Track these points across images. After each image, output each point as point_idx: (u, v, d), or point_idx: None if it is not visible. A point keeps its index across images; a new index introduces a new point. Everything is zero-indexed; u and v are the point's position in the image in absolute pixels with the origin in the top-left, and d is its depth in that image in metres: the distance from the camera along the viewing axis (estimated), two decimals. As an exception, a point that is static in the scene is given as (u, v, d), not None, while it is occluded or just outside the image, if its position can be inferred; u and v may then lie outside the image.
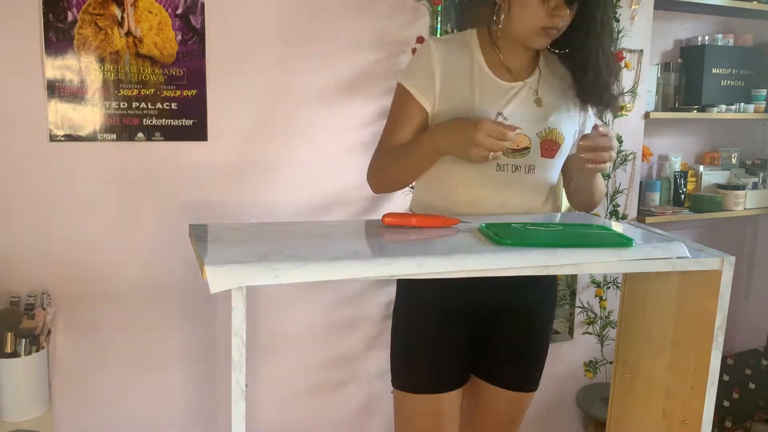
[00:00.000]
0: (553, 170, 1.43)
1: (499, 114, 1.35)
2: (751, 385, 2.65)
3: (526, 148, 1.37)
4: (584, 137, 1.30)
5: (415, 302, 1.42)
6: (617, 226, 1.30)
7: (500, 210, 1.37)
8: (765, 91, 2.59)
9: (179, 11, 1.72)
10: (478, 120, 1.24)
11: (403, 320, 1.45)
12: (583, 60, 1.37)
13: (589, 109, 1.45)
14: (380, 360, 2.13)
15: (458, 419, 1.46)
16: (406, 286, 1.45)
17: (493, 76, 1.38)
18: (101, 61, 1.66)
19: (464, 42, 1.40)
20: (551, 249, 1.02)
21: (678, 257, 1.09)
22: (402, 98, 1.39)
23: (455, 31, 1.94)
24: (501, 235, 1.06)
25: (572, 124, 1.44)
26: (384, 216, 1.17)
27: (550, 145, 1.39)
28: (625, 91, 2.29)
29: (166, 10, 1.71)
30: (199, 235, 1.09)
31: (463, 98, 1.36)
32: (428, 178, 1.42)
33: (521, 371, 1.47)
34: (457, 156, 1.30)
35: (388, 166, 1.40)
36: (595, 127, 1.30)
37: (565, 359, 2.46)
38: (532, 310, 1.45)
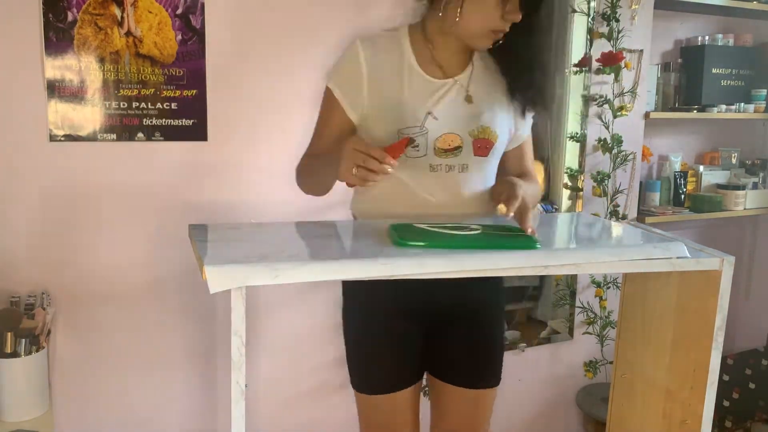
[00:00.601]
0: (489, 168, 1.40)
1: (429, 114, 1.32)
2: (751, 385, 2.65)
3: (458, 147, 1.33)
4: (503, 202, 1.21)
5: (364, 303, 1.41)
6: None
7: (439, 210, 1.34)
8: (765, 91, 2.59)
9: (179, 11, 1.72)
10: (349, 138, 1.25)
11: (353, 322, 1.45)
12: (513, 55, 1.35)
13: (521, 109, 1.42)
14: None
15: (416, 409, 1.48)
16: (353, 288, 1.43)
17: (423, 73, 1.35)
18: (101, 61, 1.66)
19: (394, 38, 1.37)
20: (457, 251, 1.01)
21: (678, 257, 1.09)
22: (329, 103, 1.37)
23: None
24: (404, 236, 1.05)
25: (507, 121, 1.40)
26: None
27: (482, 144, 1.35)
28: (625, 91, 2.29)
29: (166, 10, 1.71)
30: (198, 235, 1.09)
31: (392, 98, 1.33)
32: (362, 188, 1.39)
33: (476, 368, 1.46)
34: (339, 177, 1.23)
35: (308, 176, 1.41)
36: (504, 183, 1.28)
37: (565, 359, 2.46)
38: (482, 308, 1.44)
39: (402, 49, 1.36)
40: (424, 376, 1.51)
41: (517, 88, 1.38)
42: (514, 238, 1.10)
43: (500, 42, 1.32)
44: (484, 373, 1.46)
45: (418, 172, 1.33)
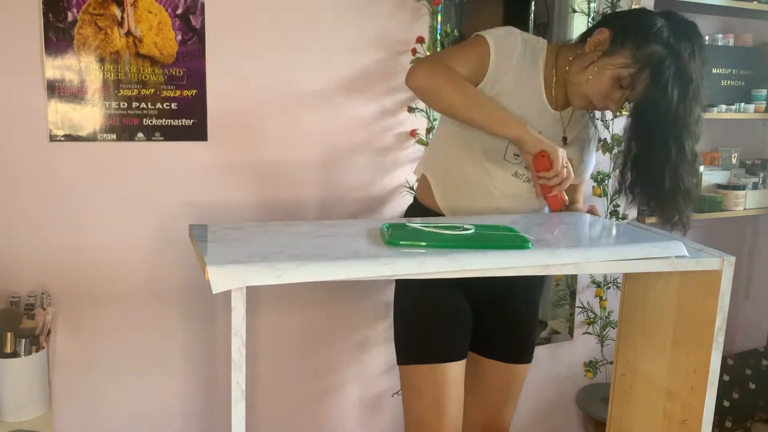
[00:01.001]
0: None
1: (540, 133, 1.39)
2: (751, 385, 2.65)
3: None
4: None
5: (420, 281, 1.45)
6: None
7: (495, 207, 1.45)
8: (765, 91, 2.59)
9: (179, 11, 1.72)
10: (559, 147, 1.34)
11: (410, 295, 1.51)
12: (650, 170, 1.36)
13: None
14: (382, 360, 2.13)
15: (462, 389, 1.50)
16: None
17: (543, 94, 1.43)
18: (101, 61, 1.66)
19: (537, 50, 1.43)
20: (462, 250, 1.02)
21: (677, 257, 1.09)
22: (478, 47, 1.39)
23: (455, 31, 1.94)
24: (395, 236, 1.06)
25: (582, 163, 1.52)
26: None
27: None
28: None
29: (166, 10, 1.70)
30: (199, 235, 1.09)
31: (517, 104, 1.39)
32: (447, 157, 1.48)
33: (514, 344, 1.57)
34: (519, 145, 1.35)
35: (453, 92, 1.35)
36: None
37: (565, 359, 2.46)
38: (522, 287, 1.54)
39: (537, 63, 1.43)
40: None
41: (646, 199, 1.41)
42: (507, 237, 1.10)
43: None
44: (520, 349, 1.58)
45: (504, 171, 1.43)
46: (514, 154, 1.42)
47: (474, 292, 1.50)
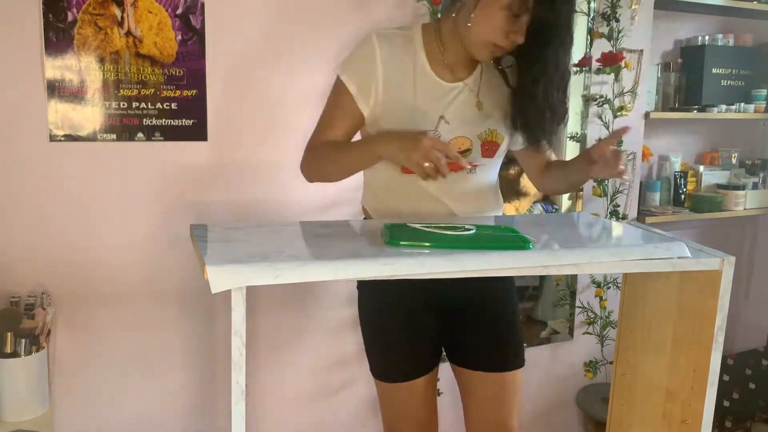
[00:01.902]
0: (494, 168, 1.45)
1: (442, 118, 1.35)
2: (751, 385, 2.65)
3: (468, 150, 1.37)
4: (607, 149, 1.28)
5: (380, 292, 1.44)
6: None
7: (448, 210, 1.39)
8: (765, 91, 2.59)
9: (179, 11, 1.72)
10: (423, 131, 1.26)
11: (369, 311, 1.48)
12: (520, 84, 1.34)
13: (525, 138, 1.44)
14: (380, 360, 2.13)
15: (435, 395, 1.53)
16: (369, 282, 1.45)
17: (435, 76, 1.36)
18: (101, 61, 1.66)
19: (408, 38, 1.37)
20: (463, 250, 1.01)
21: (679, 257, 1.09)
22: (340, 95, 1.37)
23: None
24: (395, 236, 1.06)
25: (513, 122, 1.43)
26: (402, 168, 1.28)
27: (490, 146, 1.39)
28: (625, 91, 2.29)
29: (166, 10, 1.70)
30: (199, 235, 1.09)
31: (406, 100, 1.34)
32: (375, 185, 1.44)
33: (498, 351, 1.48)
34: (396, 161, 1.29)
35: (324, 163, 1.38)
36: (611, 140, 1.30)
37: (565, 359, 2.46)
38: (494, 292, 1.47)
39: (415, 50, 1.37)
40: (446, 369, 1.55)
41: (520, 120, 1.38)
42: (508, 238, 1.10)
43: (501, 60, 1.36)
44: (506, 354, 1.49)
45: None
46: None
47: (441, 304, 1.44)
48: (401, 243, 1.03)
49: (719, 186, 2.63)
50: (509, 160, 2.47)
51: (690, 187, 2.63)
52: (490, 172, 1.44)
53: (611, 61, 2.17)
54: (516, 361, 1.49)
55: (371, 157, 1.32)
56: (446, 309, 1.45)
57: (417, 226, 1.13)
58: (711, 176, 2.65)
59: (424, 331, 1.45)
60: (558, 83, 1.32)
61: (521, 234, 1.11)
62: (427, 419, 1.51)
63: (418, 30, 1.39)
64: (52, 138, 1.65)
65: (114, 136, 1.71)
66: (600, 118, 2.29)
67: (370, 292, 1.47)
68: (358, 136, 1.44)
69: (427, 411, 1.50)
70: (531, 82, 1.31)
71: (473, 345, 1.48)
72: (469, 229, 1.13)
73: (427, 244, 1.04)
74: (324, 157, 1.38)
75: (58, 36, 1.61)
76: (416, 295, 1.40)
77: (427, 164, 1.20)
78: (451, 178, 1.30)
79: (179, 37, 1.73)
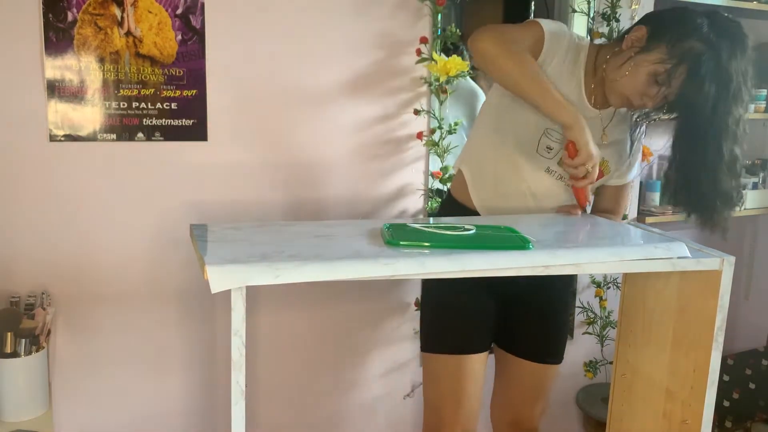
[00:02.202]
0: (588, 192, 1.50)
1: None
2: (751, 385, 2.65)
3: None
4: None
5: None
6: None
7: (527, 203, 1.46)
8: (765, 91, 2.59)
9: (179, 11, 1.72)
10: (587, 146, 1.32)
11: (432, 291, 1.57)
12: (675, 154, 1.37)
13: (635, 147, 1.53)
14: (383, 360, 2.13)
15: (482, 382, 1.56)
16: None
17: (583, 92, 1.43)
18: (101, 61, 1.66)
19: (580, 47, 1.43)
20: (470, 250, 1.02)
21: (678, 257, 1.09)
22: (533, 31, 1.38)
23: (458, 31, 1.94)
24: (396, 236, 1.06)
25: (622, 163, 1.52)
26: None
27: (598, 173, 1.43)
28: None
29: (166, 10, 1.70)
30: (199, 235, 1.09)
31: (561, 88, 1.38)
32: (481, 148, 1.49)
33: (543, 343, 1.57)
34: (575, 140, 1.33)
35: (515, 65, 1.32)
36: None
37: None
38: (553, 287, 1.53)
39: (579, 60, 1.43)
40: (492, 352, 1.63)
41: (676, 192, 1.41)
42: (508, 238, 1.10)
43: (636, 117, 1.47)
44: (550, 349, 1.59)
45: (537, 167, 1.43)
46: (547, 148, 1.41)
47: (499, 288, 1.49)
48: (401, 243, 1.03)
49: (719, 186, 2.62)
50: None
51: (690, 187, 2.62)
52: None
53: (611, 61, 2.17)
54: (558, 357, 1.60)
55: (558, 111, 1.32)
56: (507, 293, 1.52)
57: (417, 226, 1.13)
58: (711, 176, 2.64)
59: (482, 309, 1.52)
60: (727, 172, 1.33)
61: (521, 234, 1.11)
62: (473, 406, 1.53)
63: (586, 47, 1.44)
64: (52, 138, 1.65)
65: (114, 136, 1.71)
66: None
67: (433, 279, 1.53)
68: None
69: (472, 391, 1.52)
70: (693, 167, 1.33)
71: (524, 333, 1.57)
72: (468, 229, 1.13)
73: (426, 243, 1.04)
74: (522, 60, 1.32)
75: (58, 36, 1.61)
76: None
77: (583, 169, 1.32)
78: (549, 184, 1.43)
79: (179, 37, 1.73)
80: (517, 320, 1.57)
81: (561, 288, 1.58)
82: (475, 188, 1.50)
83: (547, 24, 1.40)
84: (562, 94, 1.34)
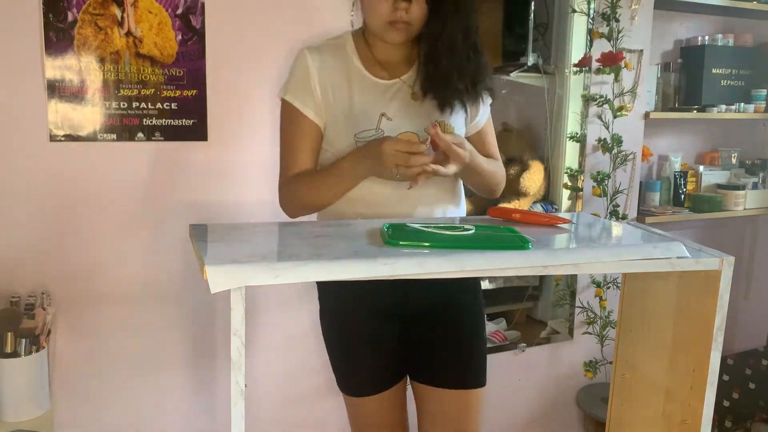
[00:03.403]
0: None
1: (383, 115, 1.34)
2: (751, 385, 2.65)
3: None
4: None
5: (338, 305, 1.42)
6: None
7: (409, 209, 1.36)
8: (765, 91, 2.59)
9: (179, 11, 1.72)
10: (381, 139, 1.25)
11: (329, 324, 1.46)
12: (427, 48, 1.33)
13: (481, 94, 1.40)
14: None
15: (403, 408, 1.49)
16: (326, 290, 1.44)
17: (371, 76, 1.37)
18: (101, 61, 1.66)
19: (339, 45, 1.40)
20: (464, 250, 1.01)
21: (678, 257, 1.09)
22: (291, 116, 1.38)
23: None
24: (395, 236, 1.06)
25: (460, 114, 1.40)
26: (488, 209, 1.27)
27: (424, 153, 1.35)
28: (625, 91, 2.29)
29: (166, 10, 1.71)
30: (199, 235, 1.09)
31: (344, 103, 1.35)
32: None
33: (459, 367, 1.42)
34: (380, 177, 1.30)
35: (304, 199, 1.38)
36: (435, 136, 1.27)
37: (565, 359, 2.46)
38: (459, 306, 1.42)
39: (347, 55, 1.39)
40: (408, 383, 1.51)
41: (430, 82, 1.35)
42: (508, 238, 1.10)
43: (425, 37, 1.33)
44: (467, 372, 1.43)
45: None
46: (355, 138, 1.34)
47: (401, 310, 1.39)
48: (401, 243, 1.03)
49: (719, 186, 2.63)
50: (509, 160, 2.47)
51: (690, 187, 2.63)
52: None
53: (611, 61, 2.17)
54: (480, 378, 1.44)
55: (350, 181, 1.32)
56: (406, 318, 1.40)
57: (417, 226, 1.13)
58: (711, 176, 2.65)
59: (386, 340, 1.41)
60: (461, 42, 1.30)
61: (520, 234, 1.11)
62: (399, 428, 1.49)
63: (348, 36, 1.42)
64: (52, 138, 1.65)
65: (114, 136, 1.71)
66: (600, 118, 2.29)
67: (327, 300, 1.44)
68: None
69: (399, 419, 1.48)
70: (432, 44, 1.31)
71: (434, 359, 1.42)
72: (468, 229, 1.13)
73: (426, 244, 1.04)
74: (301, 193, 1.38)
75: (58, 36, 1.62)
76: (374, 303, 1.38)
77: (396, 170, 1.22)
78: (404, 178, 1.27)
79: (179, 37, 1.73)
80: (426, 346, 1.42)
81: (470, 302, 1.44)
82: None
83: (290, 92, 1.37)
84: (332, 168, 1.34)
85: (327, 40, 1.43)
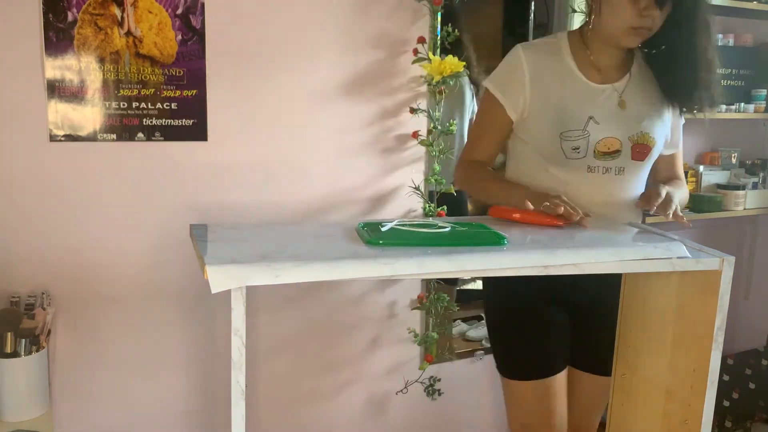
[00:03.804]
0: (643, 172, 1.47)
1: (591, 118, 1.38)
2: (751, 385, 2.65)
3: (617, 151, 1.40)
4: (645, 198, 1.36)
5: (510, 289, 1.47)
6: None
7: (592, 210, 1.37)
8: (765, 91, 2.59)
9: (179, 11, 1.72)
10: (553, 195, 1.27)
11: (500, 308, 1.52)
12: (671, 58, 1.38)
13: (679, 111, 1.47)
14: (384, 360, 2.13)
15: (566, 396, 1.53)
16: (494, 283, 1.49)
17: (583, 77, 1.41)
18: (101, 61, 1.66)
19: (554, 45, 1.43)
20: (457, 250, 1.01)
21: (678, 257, 1.09)
22: (488, 104, 1.45)
23: (456, 31, 1.94)
24: (374, 236, 1.06)
25: (664, 129, 1.46)
26: (489, 209, 1.31)
27: (641, 149, 1.42)
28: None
29: (166, 10, 1.71)
30: (199, 234, 1.09)
31: (554, 101, 1.39)
32: (518, 175, 1.48)
33: (608, 355, 1.47)
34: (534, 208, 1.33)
35: (471, 189, 1.51)
36: (655, 191, 1.34)
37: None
38: (612, 299, 1.45)
39: (562, 55, 1.42)
40: None
41: (676, 89, 1.41)
42: (483, 235, 1.10)
43: (651, 42, 1.38)
44: (609, 358, 1.49)
45: (576, 172, 1.40)
46: (573, 149, 1.39)
47: (573, 302, 1.47)
48: (381, 242, 1.04)
49: (719, 186, 2.63)
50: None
51: (690, 187, 2.62)
52: (638, 174, 1.45)
53: (611, 61, 2.17)
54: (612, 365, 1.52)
55: (511, 204, 1.35)
56: (574, 306, 1.49)
57: (392, 225, 1.13)
58: (711, 176, 2.65)
59: (554, 325, 1.48)
60: (702, 39, 1.34)
61: (495, 231, 1.12)
62: (560, 419, 1.51)
63: (563, 36, 1.45)
64: (52, 138, 1.65)
65: (114, 136, 1.71)
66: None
67: (496, 292, 1.51)
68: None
69: (560, 410, 1.50)
70: (673, 47, 1.35)
71: (590, 345, 1.52)
72: (443, 227, 1.13)
73: (405, 242, 1.05)
74: (472, 184, 1.50)
75: (58, 36, 1.61)
76: (546, 290, 1.43)
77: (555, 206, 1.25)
78: (597, 181, 1.38)
79: (179, 37, 1.73)
80: (585, 333, 1.51)
81: (616, 294, 1.47)
82: None
83: (495, 83, 1.43)
84: (505, 186, 1.42)
85: (541, 39, 1.48)
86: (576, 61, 1.41)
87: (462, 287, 2.69)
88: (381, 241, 1.03)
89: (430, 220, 1.24)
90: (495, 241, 1.06)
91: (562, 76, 1.41)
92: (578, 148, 1.39)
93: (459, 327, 2.51)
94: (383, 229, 1.10)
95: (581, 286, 1.41)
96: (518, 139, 1.47)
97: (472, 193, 1.59)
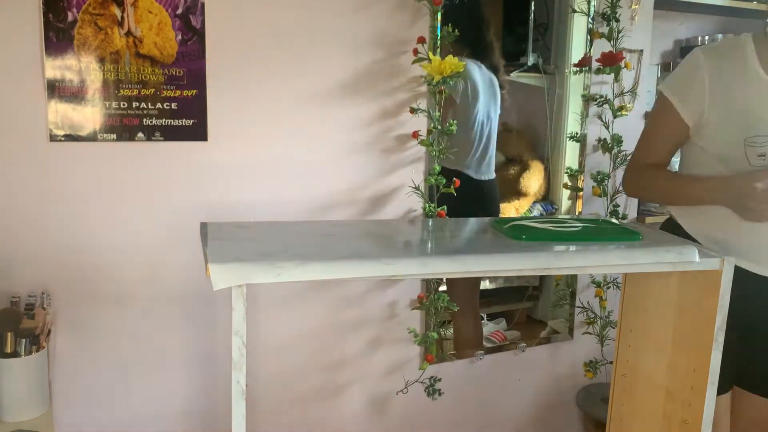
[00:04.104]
0: None
1: None
2: (751, 385, 2.65)
3: None
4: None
5: None
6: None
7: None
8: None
9: (179, 11, 1.72)
10: (752, 187, 1.22)
11: None
12: None
13: None
14: (384, 360, 2.13)
15: (728, 417, 1.46)
16: None
17: None
18: (101, 61, 1.66)
19: (738, 47, 1.37)
20: (560, 246, 1.03)
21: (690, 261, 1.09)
22: (662, 109, 1.41)
23: (456, 31, 1.94)
24: (515, 232, 1.08)
25: None
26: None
27: None
28: (625, 91, 2.29)
29: (166, 10, 1.70)
30: (206, 233, 1.09)
31: (738, 106, 1.33)
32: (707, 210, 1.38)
33: None
34: (736, 212, 1.28)
35: (646, 192, 1.50)
36: None
37: (565, 359, 2.46)
38: None
39: (745, 57, 1.36)
40: None
41: None
42: (617, 230, 1.12)
43: None
44: None
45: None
46: (758, 156, 1.30)
47: (744, 320, 1.36)
48: (523, 237, 1.07)
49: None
50: (509, 160, 2.47)
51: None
52: None
53: (611, 61, 2.17)
54: None
55: (697, 202, 1.33)
56: (744, 325, 1.38)
57: (527, 223, 1.16)
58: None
59: (729, 343, 1.34)
60: None
61: (626, 227, 1.14)
62: None
63: (748, 38, 1.38)
64: (52, 138, 1.65)
65: (114, 136, 1.71)
66: (600, 118, 2.29)
67: None
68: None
69: (722, 429, 1.43)
70: None
71: (757, 369, 1.43)
72: (575, 226, 1.16)
73: (549, 239, 1.08)
74: (646, 187, 1.48)
75: (58, 36, 1.61)
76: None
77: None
78: None
79: (179, 37, 1.73)
80: (755, 352, 1.41)
81: None
82: (684, 218, 1.45)
83: (670, 88, 1.38)
84: (696, 183, 1.37)
85: (723, 40, 1.45)
86: (762, 63, 1.34)
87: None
88: (524, 236, 1.06)
89: (558, 217, 1.26)
90: (629, 237, 1.08)
91: (746, 78, 1.34)
92: (765, 155, 1.30)
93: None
94: (524, 226, 1.13)
95: (754, 303, 1.34)
96: (695, 146, 1.42)
97: (648, 198, 1.56)
